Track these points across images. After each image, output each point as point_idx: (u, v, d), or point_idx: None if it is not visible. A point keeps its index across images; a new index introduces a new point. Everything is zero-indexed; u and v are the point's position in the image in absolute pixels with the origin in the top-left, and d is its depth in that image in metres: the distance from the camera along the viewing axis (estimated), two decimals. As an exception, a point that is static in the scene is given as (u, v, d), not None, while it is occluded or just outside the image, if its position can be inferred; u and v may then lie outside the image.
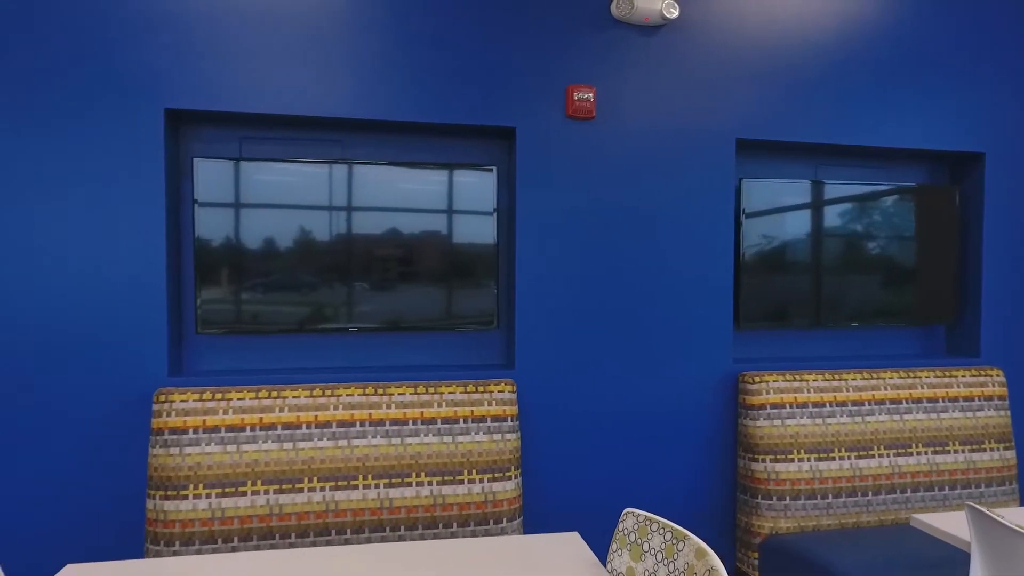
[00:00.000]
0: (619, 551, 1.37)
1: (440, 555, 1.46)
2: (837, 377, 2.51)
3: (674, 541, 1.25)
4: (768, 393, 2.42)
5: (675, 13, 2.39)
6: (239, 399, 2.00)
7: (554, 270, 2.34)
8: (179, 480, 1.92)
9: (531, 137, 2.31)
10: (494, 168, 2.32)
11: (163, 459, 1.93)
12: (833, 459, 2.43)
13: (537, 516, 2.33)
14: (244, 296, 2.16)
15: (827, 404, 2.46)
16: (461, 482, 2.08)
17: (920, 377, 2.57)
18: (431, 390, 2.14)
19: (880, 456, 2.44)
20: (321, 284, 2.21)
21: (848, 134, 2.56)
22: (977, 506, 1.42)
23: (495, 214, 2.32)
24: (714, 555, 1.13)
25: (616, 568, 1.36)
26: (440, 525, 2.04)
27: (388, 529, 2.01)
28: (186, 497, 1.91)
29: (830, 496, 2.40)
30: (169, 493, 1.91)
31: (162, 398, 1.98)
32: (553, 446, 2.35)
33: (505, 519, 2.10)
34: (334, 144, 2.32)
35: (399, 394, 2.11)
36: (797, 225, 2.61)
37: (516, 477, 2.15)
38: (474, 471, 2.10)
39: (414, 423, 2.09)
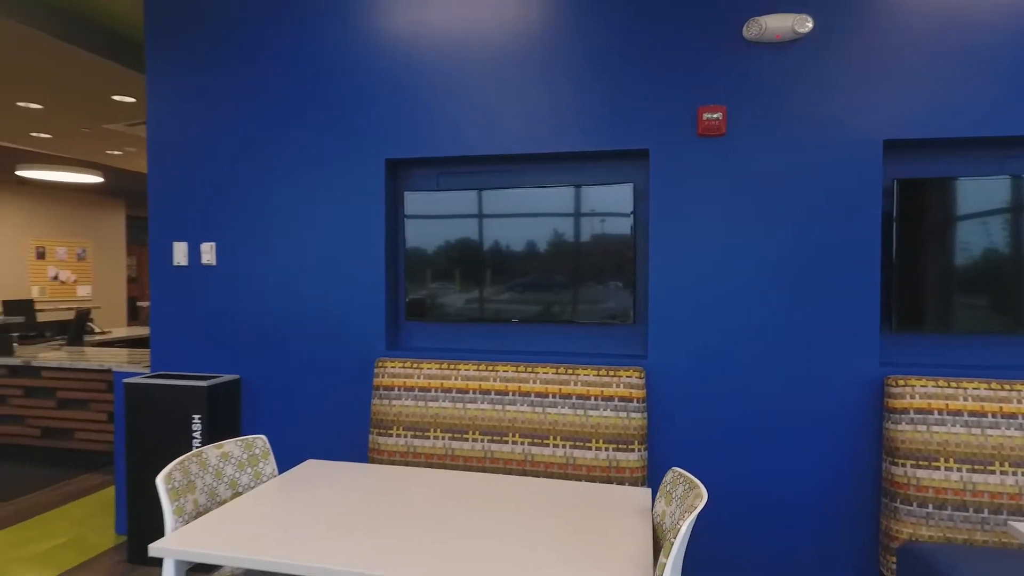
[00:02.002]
0: (659, 499, 1.72)
1: (540, 487, 1.95)
2: (1007, 387, 2.35)
3: (688, 488, 1.57)
4: (913, 397, 2.39)
5: (809, 26, 2.50)
6: (428, 368, 2.72)
7: (687, 272, 2.63)
8: (388, 422, 2.70)
9: (663, 155, 2.64)
10: (631, 184, 2.71)
11: (378, 407, 2.73)
12: (992, 472, 2.30)
13: (665, 489, 2.65)
14: (436, 294, 2.89)
15: (989, 415, 2.34)
16: (589, 448, 2.52)
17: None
18: (569, 371, 2.62)
19: (1049, 474, 2.24)
20: (492, 284, 2.83)
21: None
22: None
23: (632, 224, 2.70)
24: (702, 487, 1.44)
25: (656, 511, 1.71)
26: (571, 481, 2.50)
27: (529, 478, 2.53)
28: (391, 435, 2.69)
29: (986, 511, 2.28)
30: (381, 431, 2.71)
31: (380, 365, 2.79)
32: (683, 432, 2.64)
33: (627, 484, 2.47)
34: (507, 172, 2.93)
35: (543, 373, 2.63)
36: (970, 227, 2.49)
37: (641, 451, 2.52)
38: (601, 441, 2.52)
39: (553, 397, 2.59)
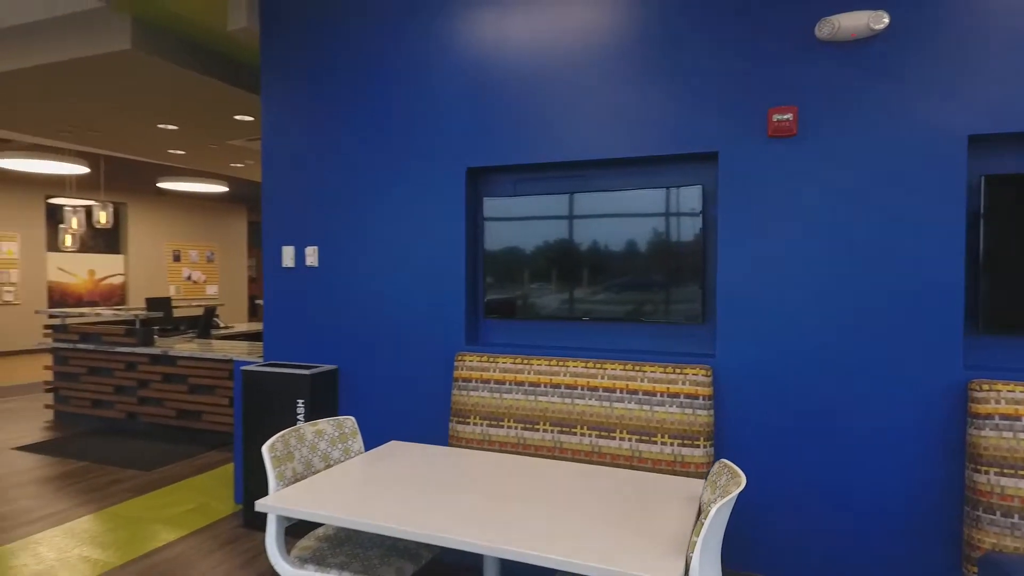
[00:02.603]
0: (706, 487, 1.81)
1: (600, 473, 2.09)
2: (1109, 395, 2.21)
3: (730, 477, 1.66)
4: (999, 402, 2.30)
5: (885, 21, 2.47)
6: (503, 363, 2.91)
7: (756, 273, 2.66)
8: (466, 412, 2.92)
9: (732, 157, 2.68)
10: (700, 186, 2.77)
11: (457, 398, 2.96)
12: (1089, 485, 2.17)
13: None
14: (511, 293, 3.07)
15: (1087, 423, 2.20)
16: (655, 443, 2.61)
17: None
18: (636, 368, 2.72)
19: None
20: (565, 284, 2.98)
21: None
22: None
23: (701, 226, 2.76)
24: (742, 477, 1.53)
25: (702, 499, 1.80)
26: (636, 473, 2.60)
27: (597, 469, 2.66)
28: (468, 424, 2.90)
29: (1081, 525, 2.16)
30: (459, 419, 2.93)
31: (459, 359, 3.02)
32: (752, 431, 2.67)
33: (692, 479, 2.54)
34: (579, 177, 3.07)
35: (611, 369, 2.75)
36: (1052, 223, 2.36)
37: (706, 447, 2.58)
38: (666, 436, 2.61)
39: (620, 392, 2.70)
